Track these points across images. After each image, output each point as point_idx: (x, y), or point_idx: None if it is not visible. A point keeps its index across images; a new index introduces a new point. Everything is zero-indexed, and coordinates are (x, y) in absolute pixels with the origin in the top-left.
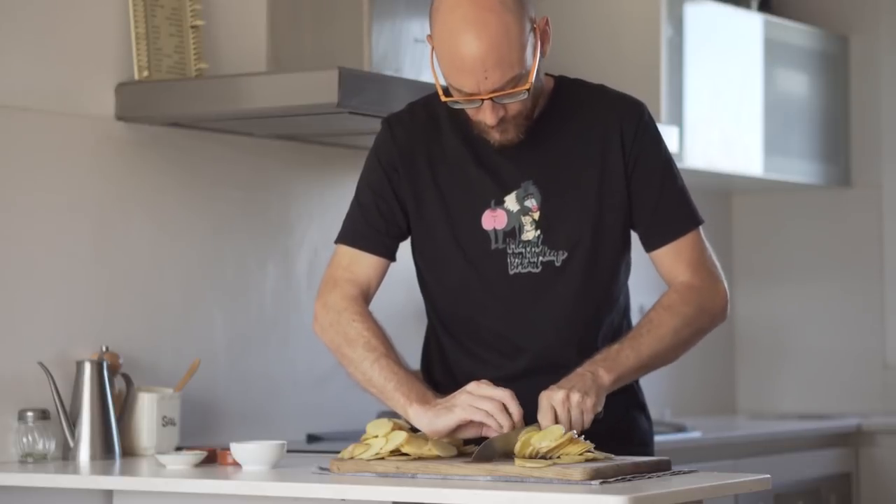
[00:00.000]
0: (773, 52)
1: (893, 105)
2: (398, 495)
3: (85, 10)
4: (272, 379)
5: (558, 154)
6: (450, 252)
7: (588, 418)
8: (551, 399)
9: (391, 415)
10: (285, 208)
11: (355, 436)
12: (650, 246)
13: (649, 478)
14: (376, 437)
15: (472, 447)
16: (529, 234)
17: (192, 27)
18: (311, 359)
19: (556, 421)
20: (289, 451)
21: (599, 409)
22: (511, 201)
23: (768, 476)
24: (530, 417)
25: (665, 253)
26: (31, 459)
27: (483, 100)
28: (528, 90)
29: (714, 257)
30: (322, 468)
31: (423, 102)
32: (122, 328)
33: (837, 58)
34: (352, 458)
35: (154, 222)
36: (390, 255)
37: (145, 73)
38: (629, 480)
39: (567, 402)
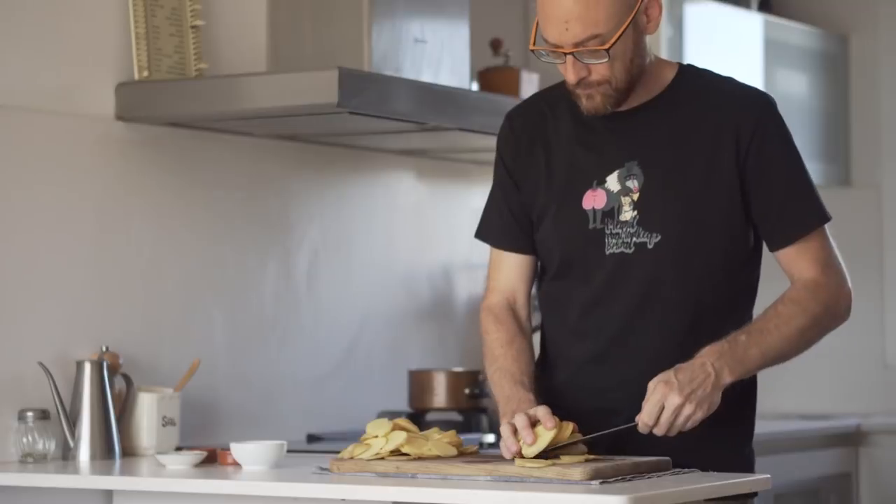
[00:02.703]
0: (773, 52)
1: (893, 105)
2: (398, 495)
3: (85, 10)
4: (272, 379)
5: (668, 138)
6: (553, 233)
7: (691, 426)
8: (666, 399)
9: (391, 415)
10: (285, 208)
11: (355, 436)
12: (775, 244)
13: (649, 478)
14: (376, 437)
15: (472, 447)
16: (627, 214)
17: (192, 27)
18: (311, 359)
19: (658, 418)
20: (289, 451)
21: (707, 416)
22: (612, 181)
23: (768, 476)
24: (591, 405)
25: (791, 251)
26: (31, 459)
27: (565, 54)
28: (607, 51)
29: (840, 256)
30: (322, 468)
31: (544, 92)
32: (122, 328)
33: (837, 58)
34: (351, 458)
35: (154, 222)
36: (525, 247)
37: (145, 73)
38: (629, 480)
39: (679, 410)
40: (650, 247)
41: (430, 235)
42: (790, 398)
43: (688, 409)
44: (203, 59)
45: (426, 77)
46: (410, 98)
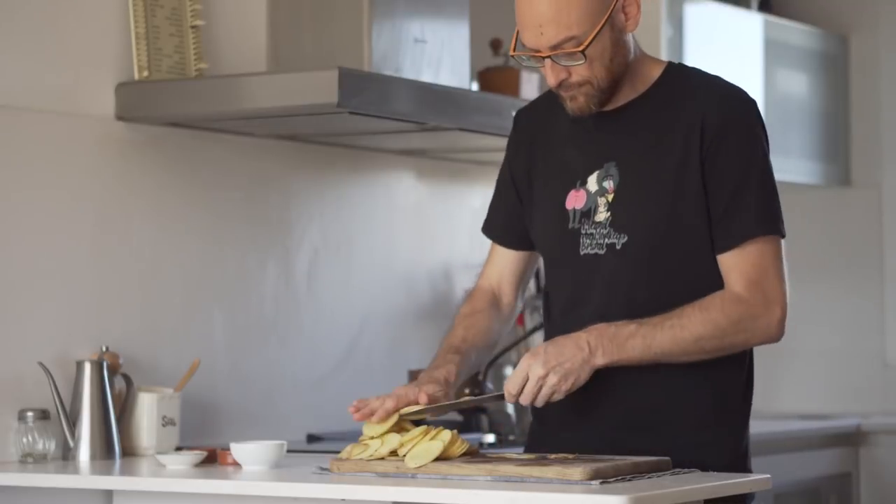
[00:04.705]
0: (773, 52)
1: (893, 105)
2: (398, 495)
3: (85, 10)
4: (272, 379)
5: (645, 138)
6: (540, 233)
7: (557, 398)
8: (530, 369)
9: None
10: (285, 208)
11: (355, 436)
12: (716, 248)
13: (649, 478)
14: (373, 437)
15: (469, 444)
16: (601, 215)
17: (192, 27)
18: (311, 359)
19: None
20: (289, 451)
21: (574, 389)
22: (592, 182)
23: (768, 476)
24: (573, 406)
25: (727, 259)
26: (31, 459)
27: (542, 58)
28: (583, 52)
29: (783, 275)
30: (322, 468)
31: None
32: (122, 328)
33: (837, 58)
34: (349, 458)
35: (154, 222)
36: (524, 245)
37: (145, 73)
38: (629, 480)
39: (542, 380)
40: (618, 248)
41: (430, 235)
42: (790, 398)
43: (552, 380)
44: (203, 59)
45: (426, 77)
46: (410, 98)
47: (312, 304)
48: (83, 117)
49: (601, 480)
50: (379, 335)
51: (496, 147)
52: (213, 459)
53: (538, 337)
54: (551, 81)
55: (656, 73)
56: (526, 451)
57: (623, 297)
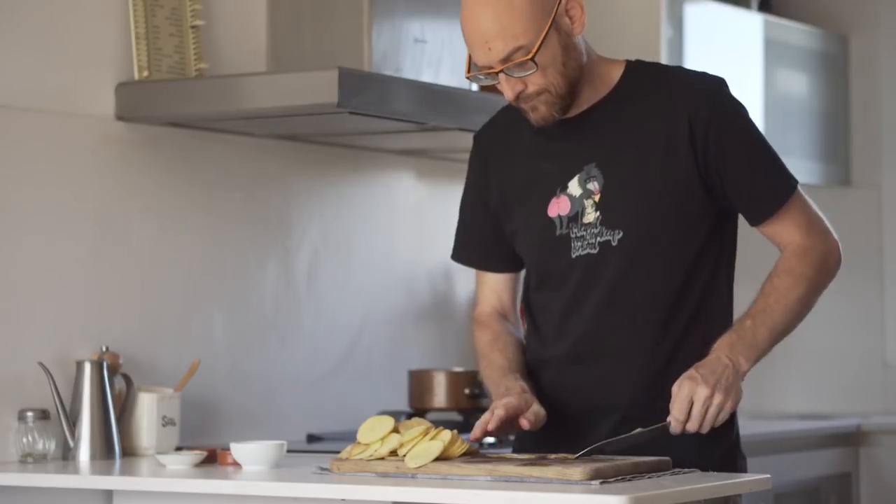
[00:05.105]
0: (773, 52)
1: (893, 105)
2: (398, 495)
3: (85, 10)
4: (272, 379)
5: (622, 136)
6: (526, 245)
7: (723, 418)
8: (694, 393)
9: (391, 415)
10: (285, 208)
11: (355, 436)
12: (755, 221)
13: (649, 478)
14: (371, 443)
15: (469, 444)
16: (590, 216)
17: (192, 27)
18: (311, 359)
19: (689, 412)
20: (289, 451)
21: (737, 406)
22: (574, 186)
23: (768, 476)
24: (574, 406)
25: (772, 224)
26: (31, 459)
27: (496, 73)
28: (533, 60)
29: (818, 211)
30: (322, 468)
31: (510, 105)
32: (122, 328)
33: (837, 58)
34: (348, 458)
35: (154, 222)
36: (506, 266)
37: (145, 73)
38: (629, 480)
39: (710, 401)
40: (614, 244)
41: (430, 235)
42: (790, 398)
43: (718, 399)
44: (203, 59)
45: (426, 77)
46: (410, 98)
47: (312, 304)
48: (83, 117)
49: (601, 480)
50: (379, 335)
51: None
52: (213, 459)
53: None
54: (508, 95)
55: (616, 73)
56: (513, 453)
57: (622, 292)
